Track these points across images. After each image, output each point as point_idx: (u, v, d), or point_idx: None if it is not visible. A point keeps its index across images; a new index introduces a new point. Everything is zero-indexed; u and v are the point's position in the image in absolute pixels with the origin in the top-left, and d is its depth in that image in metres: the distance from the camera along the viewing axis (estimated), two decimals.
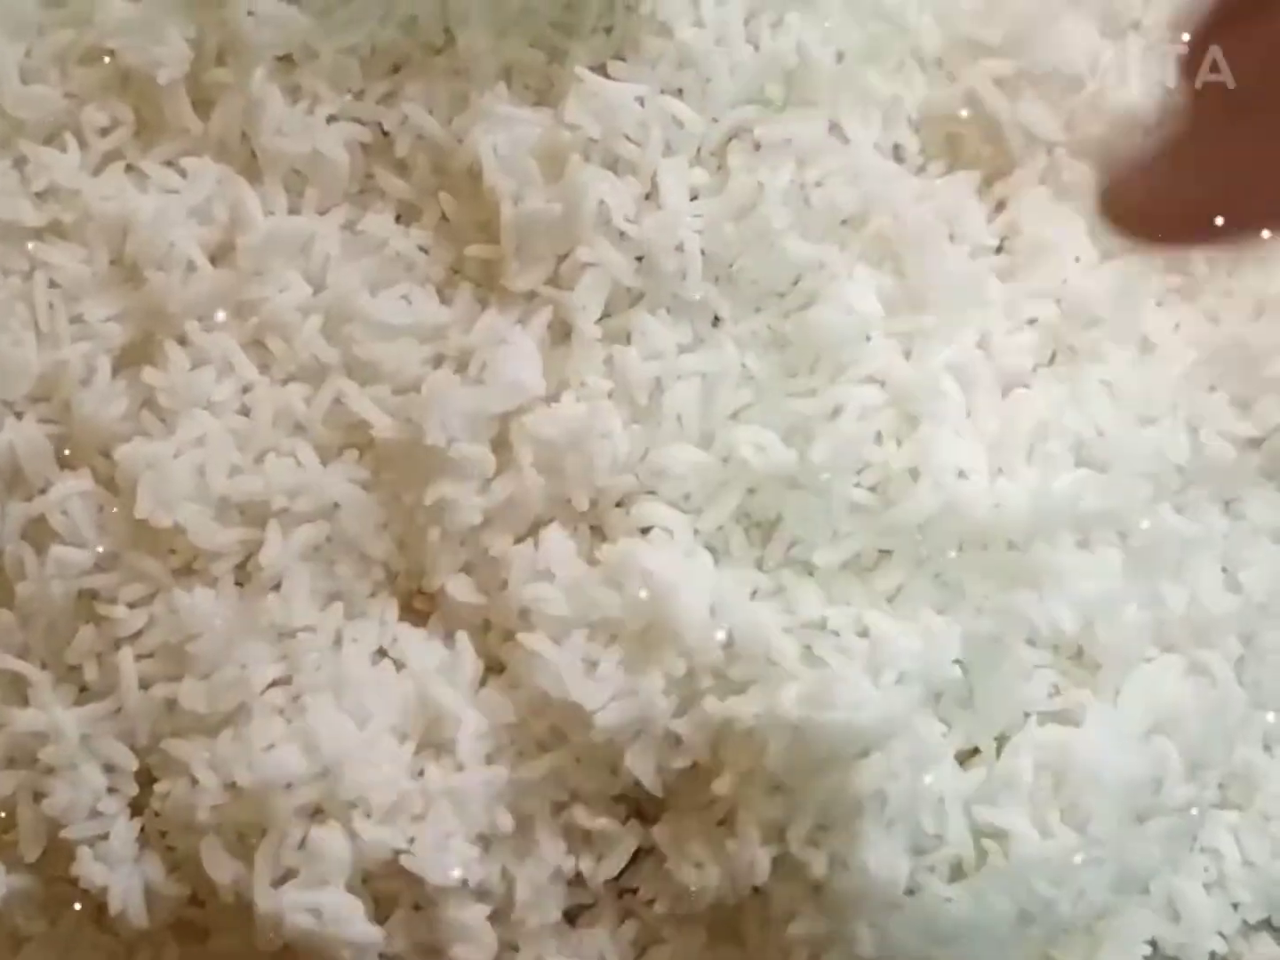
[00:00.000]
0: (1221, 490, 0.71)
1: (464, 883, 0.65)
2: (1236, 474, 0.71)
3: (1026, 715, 0.68)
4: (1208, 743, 0.70)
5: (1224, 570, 0.71)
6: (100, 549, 0.68)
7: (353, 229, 0.69)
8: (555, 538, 0.66)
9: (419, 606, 0.68)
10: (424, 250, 0.69)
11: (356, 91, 0.70)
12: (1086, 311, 0.69)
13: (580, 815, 0.66)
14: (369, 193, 0.70)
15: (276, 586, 0.67)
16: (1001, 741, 0.68)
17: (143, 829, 0.68)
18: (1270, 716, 0.74)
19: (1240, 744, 0.73)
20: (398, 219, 0.70)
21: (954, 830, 0.66)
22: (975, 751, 0.68)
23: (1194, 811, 0.69)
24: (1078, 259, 0.70)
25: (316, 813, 0.65)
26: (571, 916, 0.69)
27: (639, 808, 0.68)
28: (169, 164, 0.70)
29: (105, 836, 0.68)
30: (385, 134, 0.70)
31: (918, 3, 0.69)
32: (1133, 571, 0.69)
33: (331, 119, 0.70)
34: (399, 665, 0.67)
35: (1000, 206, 0.70)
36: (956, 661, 0.66)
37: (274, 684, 0.66)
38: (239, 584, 0.67)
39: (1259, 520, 0.72)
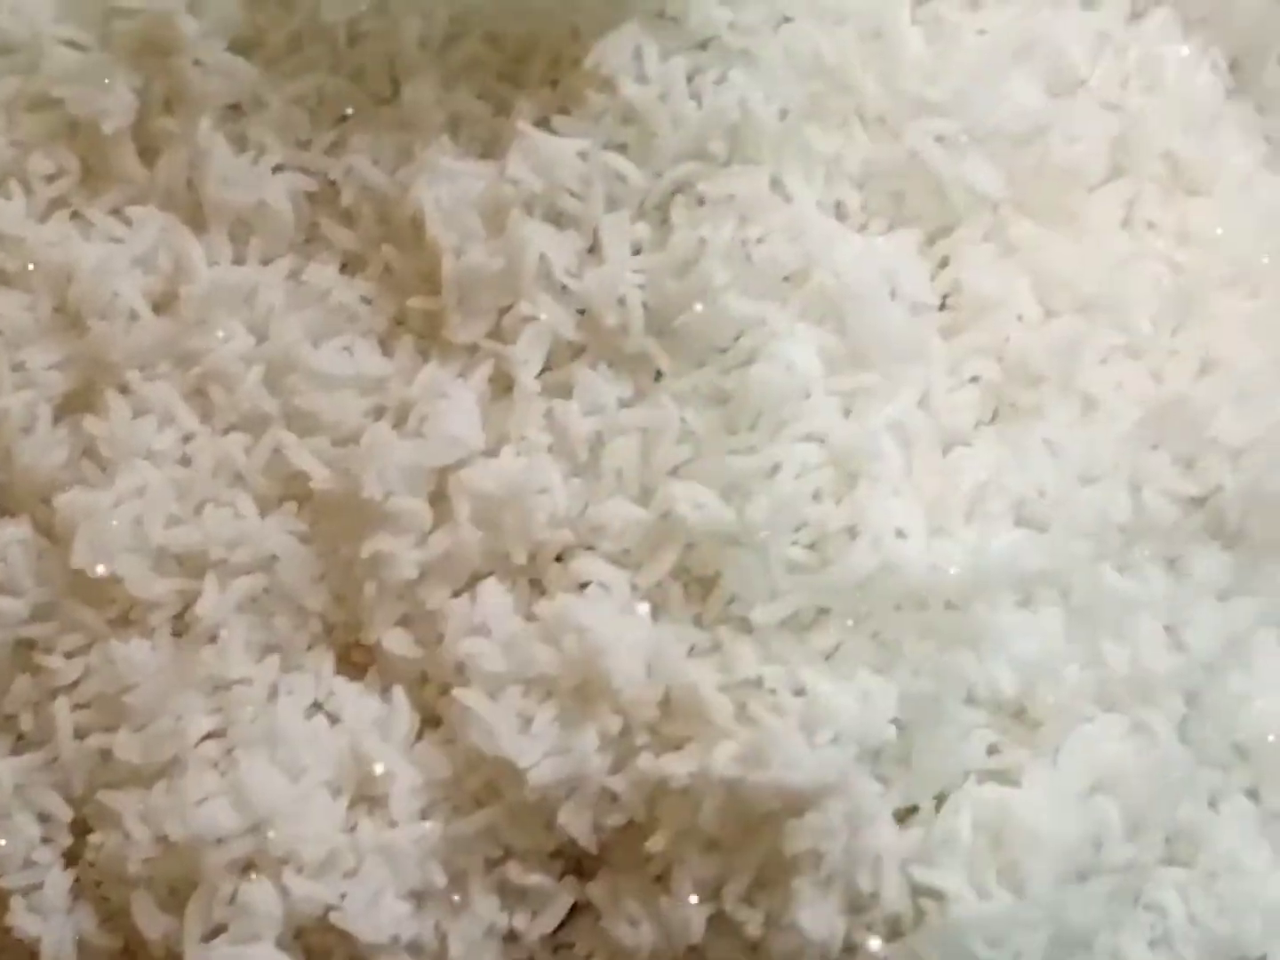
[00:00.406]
0: (1164, 549, 0.71)
1: (395, 939, 0.64)
2: (1179, 533, 0.71)
3: (966, 774, 0.67)
4: (1149, 802, 0.70)
5: (1167, 629, 0.71)
6: (37, 598, 0.67)
7: (297, 279, 0.70)
8: (492, 592, 0.66)
9: (356, 659, 0.68)
10: (367, 301, 0.69)
11: (303, 141, 0.70)
12: (1029, 369, 0.69)
13: (515, 871, 0.66)
14: (314, 242, 0.70)
15: (213, 638, 0.66)
16: (940, 800, 0.67)
17: (78, 879, 0.68)
18: (1215, 774, 0.74)
19: (1185, 802, 0.73)
20: (342, 269, 0.70)
21: (891, 889, 0.66)
22: (914, 810, 0.67)
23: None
24: (1020, 317, 0.70)
25: (248, 867, 0.64)
26: None
27: (576, 864, 0.68)
28: (114, 212, 0.70)
29: (39, 886, 0.68)
30: (331, 184, 0.70)
31: (861, 60, 0.69)
32: (1074, 631, 0.69)
33: (278, 169, 0.70)
34: (334, 719, 0.67)
35: (943, 264, 0.70)
36: (894, 721, 0.66)
37: (209, 736, 0.66)
38: (177, 634, 0.67)
39: (1203, 579, 0.72)
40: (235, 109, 0.71)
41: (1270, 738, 0.74)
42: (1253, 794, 0.75)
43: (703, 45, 0.69)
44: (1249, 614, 0.73)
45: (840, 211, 0.69)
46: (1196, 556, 0.72)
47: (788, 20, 0.69)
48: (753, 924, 0.65)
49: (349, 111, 0.70)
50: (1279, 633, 0.76)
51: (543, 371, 0.68)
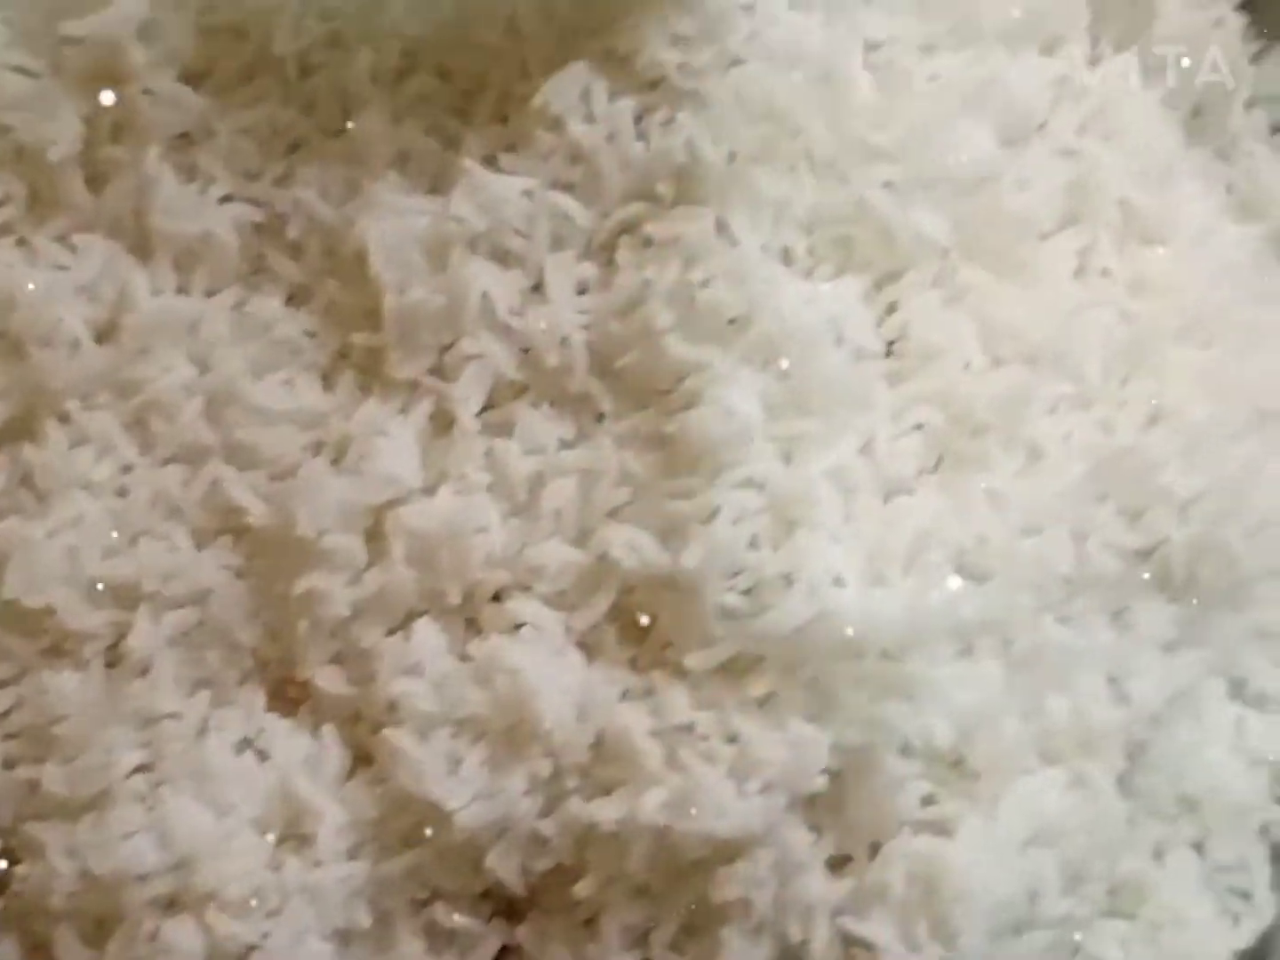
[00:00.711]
0: (1109, 601, 0.71)
1: None
2: (1124, 585, 0.71)
3: (900, 825, 0.67)
4: (1088, 855, 0.70)
5: (1110, 681, 0.71)
6: None
7: (241, 310, 0.69)
8: (426, 631, 0.66)
9: (289, 695, 0.68)
10: (311, 335, 0.69)
11: (252, 173, 0.70)
12: (974, 418, 0.69)
13: (442, 913, 0.66)
14: (260, 274, 0.70)
15: (144, 671, 0.66)
16: (875, 850, 0.67)
17: (3, 910, 0.67)
18: (1161, 826, 0.74)
19: (1129, 854, 0.73)
20: (288, 301, 0.70)
21: (821, 939, 0.65)
22: (848, 859, 0.67)
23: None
24: (967, 365, 0.69)
25: (171, 904, 0.64)
26: None
27: (505, 906, 0.67)
28: (60, 240, 0.70)
29: None
30: (279, 216, 0.70)
31: (810, 104, 0.68)
32: (1014, 682, 0.68)
33: (225, 199, 0.70)
34: (264, 756, 0.66)
35: (891, 310, 0.70)
36: (827, 770, 0.65)
37: (137, 770, 0.66)
38: (110, 665, 0.67)
39: (1148, 631, 0.71)
40: (184, 138, 0.70)
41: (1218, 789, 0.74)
42: (1199, 846, 0.75)
43: (652, 86, 0.69)
44: (1197, 665, 0.73)
45: (786, 256, 0.69)
46: (1142, 608, 0.71)
47: (738, 63, 0.69)
48: None
49: (298, 143, 0.70)
50: (1228, 683, 0.76)
51: (483, 410, 0.68)
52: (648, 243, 0.68)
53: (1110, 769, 0.70)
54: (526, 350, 0.68)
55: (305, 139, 0.70)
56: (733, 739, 0.65)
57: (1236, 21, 0.80)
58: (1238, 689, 0.77)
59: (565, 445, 0.67)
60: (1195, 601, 0.72)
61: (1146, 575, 0.71)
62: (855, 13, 0.71)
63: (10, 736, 0.67)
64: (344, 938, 0.65)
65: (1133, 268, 0.74)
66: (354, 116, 0.70)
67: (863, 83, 0.69)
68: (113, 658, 0.67)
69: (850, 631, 0.65)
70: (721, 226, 0.68)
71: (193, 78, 0.70)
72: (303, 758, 0.66)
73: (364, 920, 0.65)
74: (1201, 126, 0.81)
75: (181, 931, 0.63)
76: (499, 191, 0.67)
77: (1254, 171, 0.81)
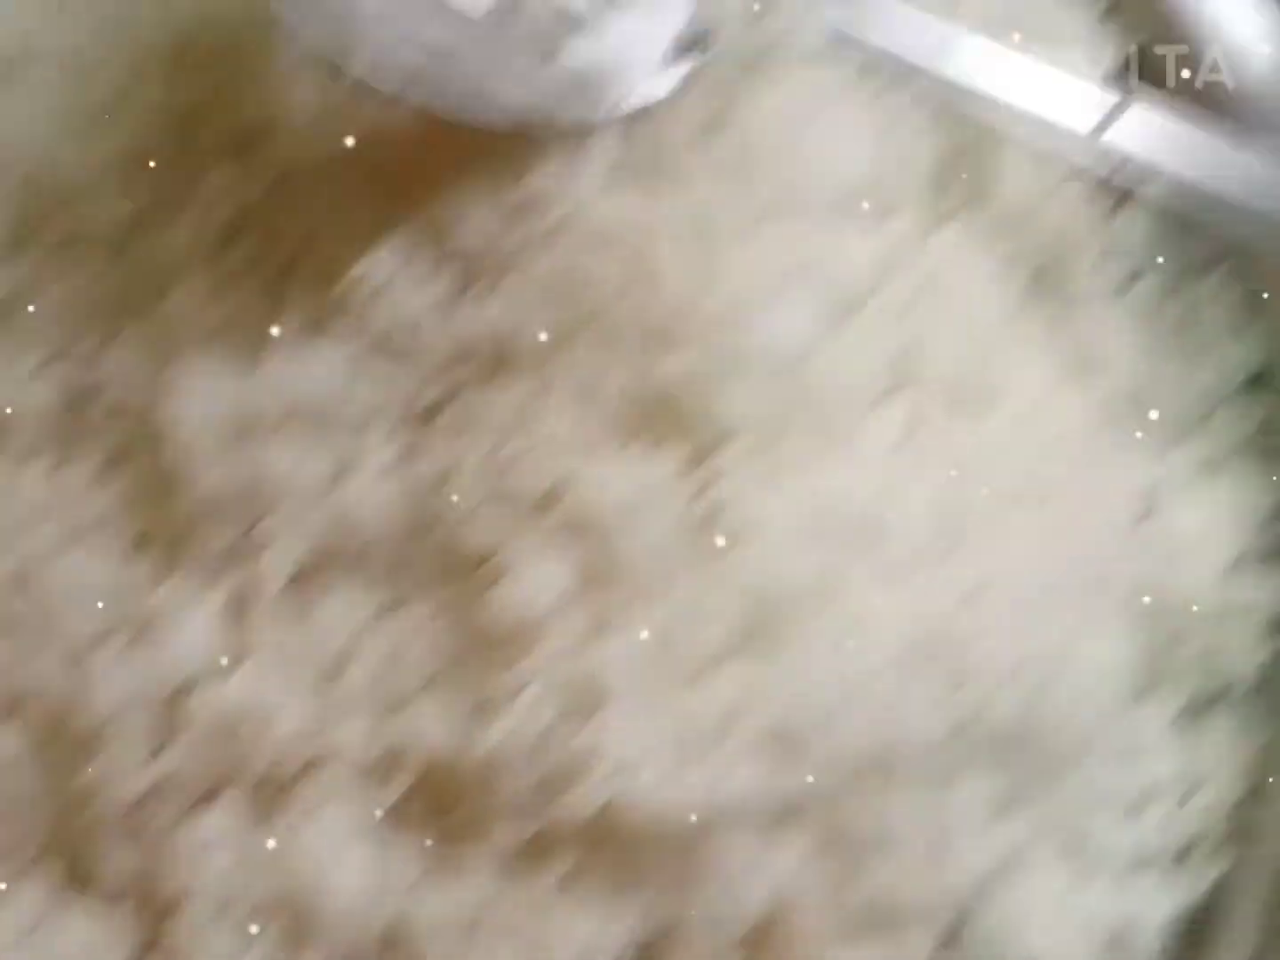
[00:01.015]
0: (930, 772, 0.70)
1: None
2: (945, 755, 0.70)
3: None
4: None
5: (931, 852, 0.70)
6: None
7: (50, 482, 0.69)
8: (220, 813, 0.65)
9: (83, 876, 0.66)
10: (119, 509, 0.69)
11: (67, 343, 0.70)
12: (790, 593, 0.69)
13: None
14: (71, 447, 0.69)
15: None
16: None
17: None
18: None
19: None
20: (98, 475, 0.69)
21: None
22: None
23: None
24: (785, 539, 0.69)
25: None
26: None
27: None
28: None
29: None
30: (91, 389, 0.69)
31: (623, 283, 0.68)
32: (826, 857, 0.68)
33: (39, 370, 0.70)
34: (50, 940, 0.65)
35: (706, 486, 0.70)
36: (632, 946, 0.65)
37: None
38: None
39: (971, 800, 0.71)
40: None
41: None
42: None
43: (474, 257, 0.69)
44: (1023, 831, 0.73)
45: (600, 431, 0.69)
46: (964, 778, 0.71)
47: (555, 237, 0.69)
48: None
49: (115, 316, 0.70)
50: (1063, 845, 0.76)
51: (291, 583, 0.67)
52: (464, 414, 0.68)
53: (927, 941, 0.70)
54: (337, 523, 0.67)
55: (122, 311, 0.70)
56: (533, 917, 0.64)
57: (1083, 180, 0.81)
58: (1073, 851, 0.76)
59: (373, 620, 0.67)
60: (1022, 769, 0.72)
61: (968, 746, 0.71)
62: (676, 187, 0.71)
63: None
64: None
65: (960, 437, 0.74)
66: (174, 287, 0.70)
67: (678, 260, 0.70)
68: None
69: (650, 814, 0.64)
70: (535, 401, 0.68)
71: (9, 247, 0.70)
72: (89, 943, 0.65)
73: None
74: (1044, 287, 0.81)
75: None
76: (315, 361, 0.68)
77: (1098, 332, 0.81)
